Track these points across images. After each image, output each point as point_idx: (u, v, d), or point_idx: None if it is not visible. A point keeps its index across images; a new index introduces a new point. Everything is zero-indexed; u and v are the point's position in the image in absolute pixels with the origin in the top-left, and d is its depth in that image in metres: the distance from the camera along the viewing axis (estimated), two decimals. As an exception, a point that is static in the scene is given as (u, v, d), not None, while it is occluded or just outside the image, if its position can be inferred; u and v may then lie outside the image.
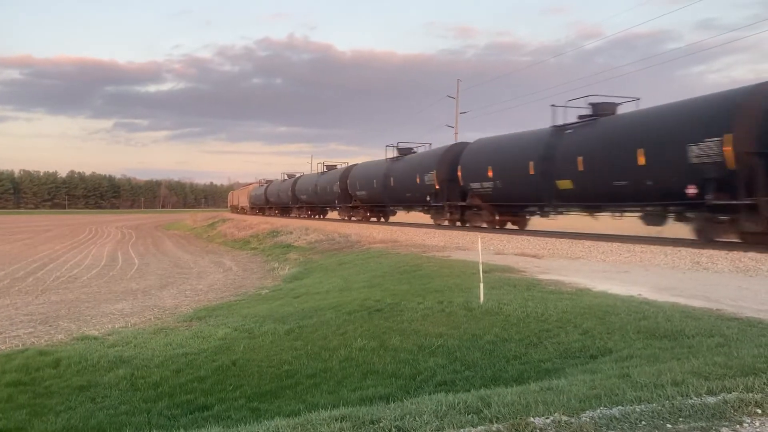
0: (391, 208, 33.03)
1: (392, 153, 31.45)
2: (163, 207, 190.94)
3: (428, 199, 26.17)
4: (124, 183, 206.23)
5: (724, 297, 8.22)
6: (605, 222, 19.84)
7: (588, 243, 15.65)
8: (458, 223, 25.40)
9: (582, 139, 17.63)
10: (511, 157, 20.74)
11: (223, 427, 4.44)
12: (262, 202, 61.90)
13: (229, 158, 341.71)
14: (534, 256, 14.48)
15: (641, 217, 17.03)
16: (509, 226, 23.17)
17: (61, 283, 19.72)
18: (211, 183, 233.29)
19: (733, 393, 3.64)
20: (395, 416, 3.54)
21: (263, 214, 60.42)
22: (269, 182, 63.16)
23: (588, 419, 3.32)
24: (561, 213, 20.24)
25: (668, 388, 3.80)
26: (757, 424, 3.20)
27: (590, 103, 18.28)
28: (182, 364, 7.76)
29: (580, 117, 18.43)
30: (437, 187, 25.05)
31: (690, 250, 13.11)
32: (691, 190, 13.87)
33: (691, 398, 3.59)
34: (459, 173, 23.65)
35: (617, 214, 18.16)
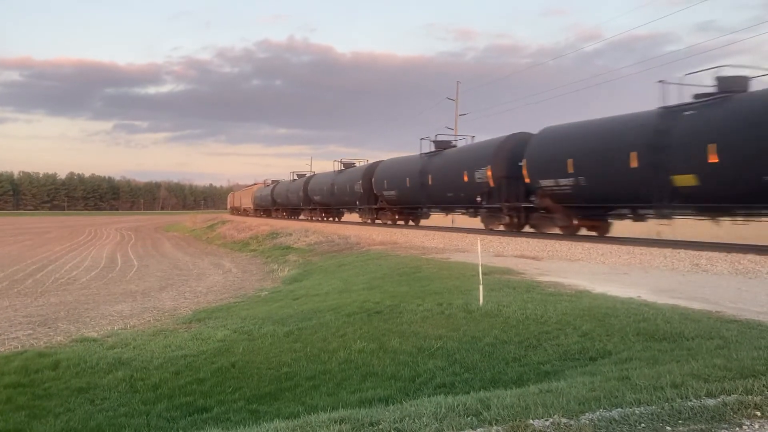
0: (425, 210, 29.37)
1: (428, 147, 27.42)
2: (162, 209, 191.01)
3: (479, 199, 22.08)
4: (123, 185, 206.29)
5: (723, 299, 8.23)
6: (728, 229, 16.14)
7: (587, 245, 15.65)
8: (522, 228, 21.31)
9: (711, 121, 14.01)
10: (603, 146, 16.71)
11: (222, 429, 4.44)
12: (268, 203, 58.36)
13: (229, 160, 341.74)
14: (533, 258, 14.49)
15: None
16: (584, 232, 19.08)
17: (60, 285, 19.70)
18: (211, 185, 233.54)
19: (732, 395, 3.64)
20: (394, 418, 3.54)
21: (269, 216, 57.53)
22: (275, 182, 59.70)
23: (587, 421, 3.32)
24: (671, 216, 16.13)
25: (668, 390, 3.80)
26: (757, 426, 3.20)
27: (717, 78, 14.67)
28: (181, 366, 7.76)
29: (698, 96, 14.86)
30: (492, 185, 21.09)
31: (689, 252, 13.12)
32: None
33: (690, 400, 3.59)
34: (524, 169, 19.59)
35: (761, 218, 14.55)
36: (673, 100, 15.28)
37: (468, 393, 4.51)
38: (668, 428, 3.22)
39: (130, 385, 7.16)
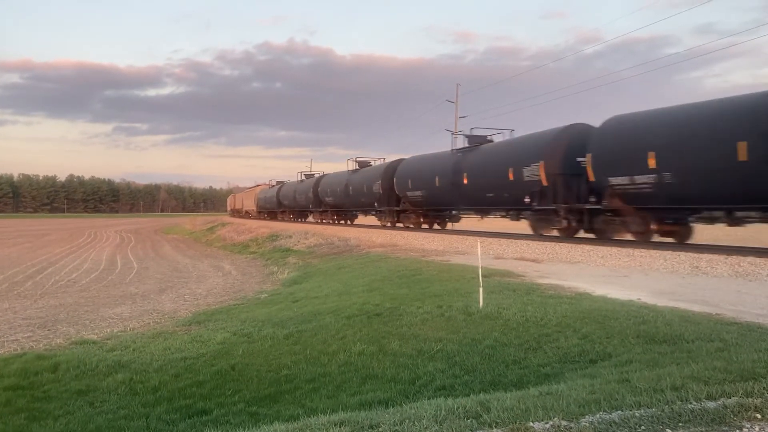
0: (454, 212, 26.88)
1: (461, 142, 24.88)
2: (162, 211, 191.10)
3: (527, 200, 19.37)
4: (123, 187, 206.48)
5: (723, 301, 8.23)
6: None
7: (587, 247, 15.65)
8: (577, 233, 18.77)
9: None
10: (696, 137, 14.11)
11: (221, 432, 4.43)
12: (273, 205, 55.62)
13: (229, 162, 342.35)
14: (533, 261, 14.49)
15: None
16: (657, 238, 16.55)
17: (60, 287, 19.69)
18: (210, 187, 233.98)
19: (732, 398, 3.63)
20: (394, 421, 3.53)
21: (273, 219, 55.71)
22: (281, 183, 57.21)
23: (587, 424, 3.31)
24: None
25: (668, 392, 3.79)
26: (757, 429, 3.20)
27: None
28: (181, 369, 7.75)
29: None
30: (545, 183, 18.45)
31: (689, 254, 13.12)
32: None
33: (690, 403, 3.58)
34: (588, 165, 16.98)
35: None
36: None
37: (468, 395, 4.50)
38: (668, 431, 3.21)
39: (129, 387, 7.15)
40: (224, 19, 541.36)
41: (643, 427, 3.25)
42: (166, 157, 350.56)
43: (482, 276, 9.13)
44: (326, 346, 7.77)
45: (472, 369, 6.19)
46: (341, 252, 22.18)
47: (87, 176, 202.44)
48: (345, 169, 40.19)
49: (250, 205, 68.00)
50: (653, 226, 16.25)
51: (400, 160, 30.95)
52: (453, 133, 26.26)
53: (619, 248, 15.04)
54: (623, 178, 15.89)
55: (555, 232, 19.54)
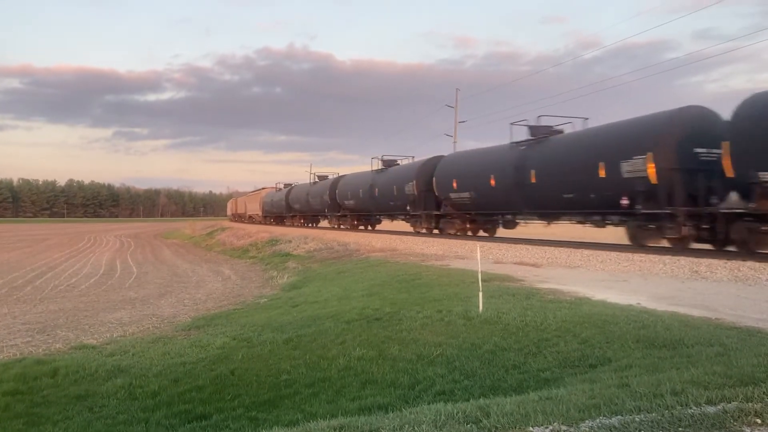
0: (509, 216, 22.77)
1: (524, 134, 20.88)
2: (161, 216, 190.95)
3: (626, 202, 15.78)
4: (123, 192, 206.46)
5: (723, 306, 8.22)
6: None
7: (587, 252, 15.64)
8: (690, 243, 15.22)
9: None
10: None
11: (221, 437, 4.42)
12: (282, 209, 52.54)
13: (228, 167, 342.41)
14: (533, 265, 14.48)
15: None
16: None
17: (59, 292, 19.66)
18: (210, 192, 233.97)
19: (732, 403, 3.63)
20: (394, 426, 3.53)
21: (281, 224, 52.79)
22: (289, 186, 54.40)
23: (587, 429, 3.31)
24: None
25: (668, 397, 3.79)
26: (757, 433, 3.19)
27: None
28: (180, 374, 7.74)
29: None
30: (654, 181, 14.93)
31: (689, 259, 13.11)
32: None
33: (690, 408, 3.58)
34: (727, 156, 13.42)
35: None
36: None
37: (468, 400, 4.50)
38: (668, 436, 3.21)
39: (129, 392, 7.14)
40: (224, 24, 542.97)
41: (642, 432, 3.25)
42: (166, 161, 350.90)
43: (482, 280, 9.12)
44: (326, 351, 7.76)
45: (472, 374, 6.19)
46: (341, 257, 22.17)
47: (87, 181, 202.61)
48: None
49: (254, 209, 65.76)
50: None
51: (439, 157, 27.13)
52: (511, 123, 21.33)
53: (619, 253, 15.03)
54: None
55: (665, 242, 15.97)
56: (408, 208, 28.45)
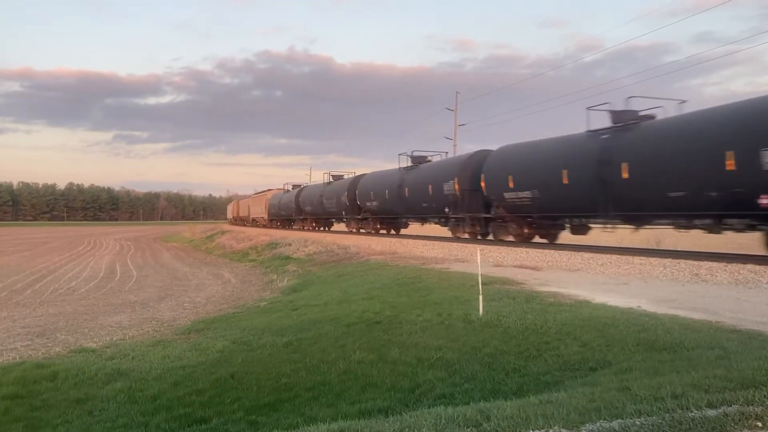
0: (581, 219, 18.52)
1: (603, 120, 16.88)
2: (161, 219, 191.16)
3: (766, 201, 12.42)
4: (122, 195, 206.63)
5: (723, 309, 8.21)
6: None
7: (587, 255, 15.64)
8: None
9: None
10: None
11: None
12: (291, 211, 48.04)
13: (228, 170, 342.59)
14: (533, 268, 14.47)
15: None
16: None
17: (59, 296, 19.65)
18: (210, 195, 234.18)
19: (733, 406, 3.62)
20: (394, 429, 3.52)
21: (288, 228, 49.21)
22: (298, 187, 50.13)
23: (588, 432, 3.30)
24: None
25: (668, 401, 3.78)
26: (758, 437, 3.19)
27: None
28: (180, 377, 7.73)
29: None
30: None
31: (689, 262, 13.11)
32: None
33: (691, 411, 3.57)
34: None
35: None
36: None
37: (468, 404, 4.49)
38: (669, 439, 3.20)
39: (128, 396, 7.13)
40: (224, 27, 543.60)
41: (643, 436, 3.24)
42: (166, 165, 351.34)
43: (482, 284, 9.13)
44: (326, 355, 7.75)
45: (472, 377, 6.18)
46: (341, 260, 22.16)
47: (87, 184, 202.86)
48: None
49: (259, 212, 61.09)
50: None
51: (486, 151, 23.43)
52: (588, 108, 17.29)
53: (619, 256, 15.03)
54: None
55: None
56: (446, 210, 24.36)
